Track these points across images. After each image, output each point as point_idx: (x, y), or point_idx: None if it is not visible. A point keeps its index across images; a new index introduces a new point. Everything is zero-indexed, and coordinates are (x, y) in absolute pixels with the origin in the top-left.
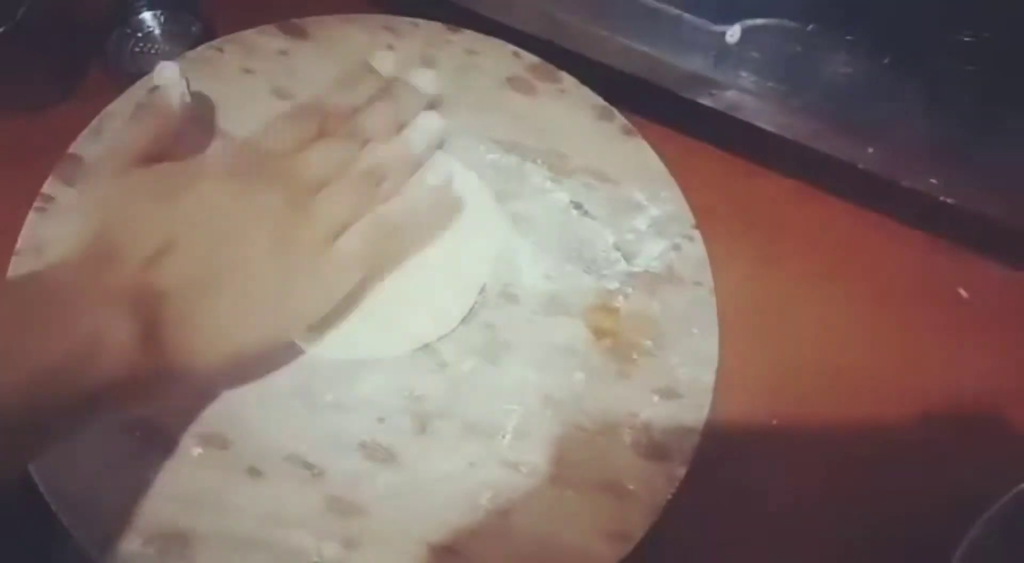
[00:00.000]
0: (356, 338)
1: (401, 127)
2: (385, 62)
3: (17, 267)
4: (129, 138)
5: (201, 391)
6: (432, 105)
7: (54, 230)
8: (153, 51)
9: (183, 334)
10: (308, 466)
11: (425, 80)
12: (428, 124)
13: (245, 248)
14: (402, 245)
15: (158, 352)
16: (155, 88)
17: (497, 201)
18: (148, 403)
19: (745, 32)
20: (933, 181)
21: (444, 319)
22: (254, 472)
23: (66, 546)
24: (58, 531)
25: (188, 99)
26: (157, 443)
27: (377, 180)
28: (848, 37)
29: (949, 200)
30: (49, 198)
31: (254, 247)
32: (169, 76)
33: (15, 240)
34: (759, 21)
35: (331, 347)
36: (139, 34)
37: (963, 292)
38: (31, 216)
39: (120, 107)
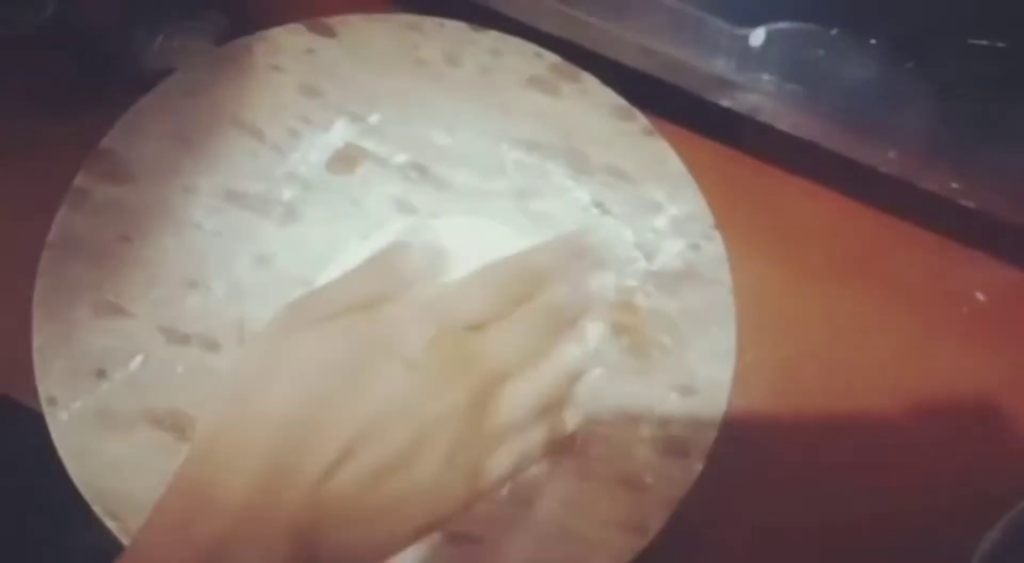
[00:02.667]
0: None
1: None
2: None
3: (49, 261)
4: (345, 288)
5: None
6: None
7: (86, 224)
8: (180, 48)
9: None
10: None
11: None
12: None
13: (421, 462)
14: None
15: None
16: (400, 245)
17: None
18: None
19: (769, 35)
20: (954, 185)
21: None
22: None
23: (99, 537)
24: (92, 523)
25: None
26: (187, 434)
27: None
28: (871, 41)
29: (969, 204)
30: (81, 191)
31: (429, 461)
32: (427, 239)
33: (46, 234)
34: (783, 25)
35: None
36: (166, 31)
37: (980, 295)
38: (63, 210)
39: (148, 103)
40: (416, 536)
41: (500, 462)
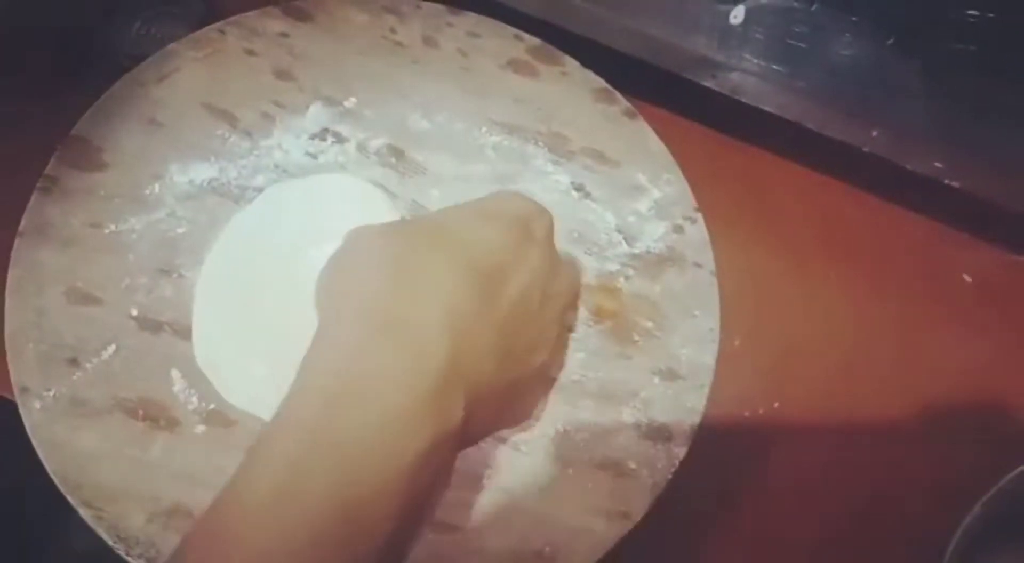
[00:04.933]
0: None
1: None
2: None
3: (21, 250)
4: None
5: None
6: None
7: (58, 212)
8: (155, 33)
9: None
10: None
11: None
12: None
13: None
14: None
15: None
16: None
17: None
18: None
19: (749, 12)
20: (938, 164)
21: None
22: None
23: (72, 525)
24: (64, 510)
25: None
26: (161, 423)
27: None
28: (852, 18)
29: (954, 183)
30: (53, 179)
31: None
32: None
33: (18, 221)
34: (763, 1)
35: None
36: (141, 16)
37: (967, 277)
38: (35, 197)
39: (121, 89)
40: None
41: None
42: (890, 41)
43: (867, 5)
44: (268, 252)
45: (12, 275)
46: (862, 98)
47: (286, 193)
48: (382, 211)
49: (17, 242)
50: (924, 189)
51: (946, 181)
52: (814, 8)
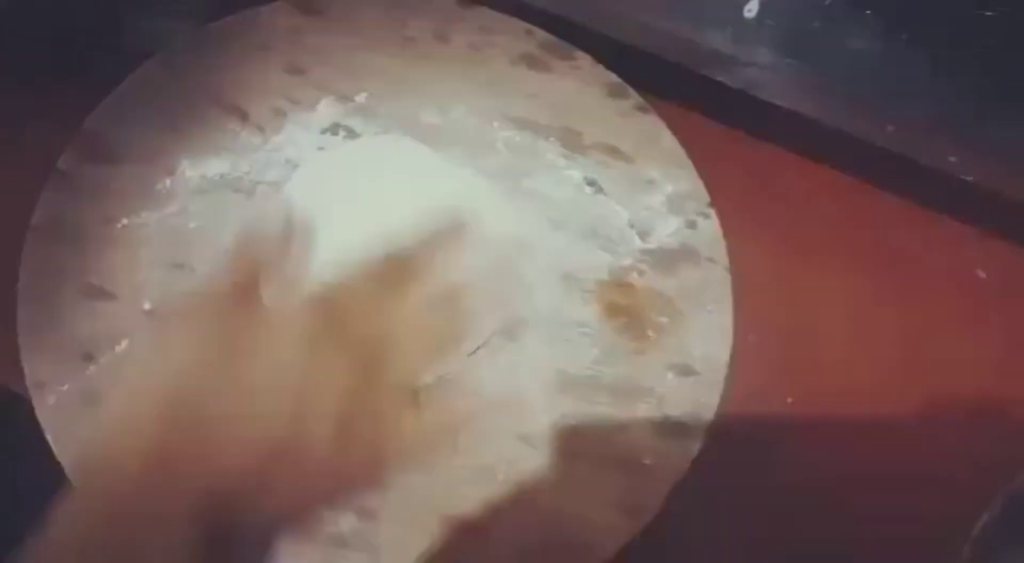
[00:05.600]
0: None
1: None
2: None
3: (33, 245)
4: (221, 275)
5: None
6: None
7: (69, 207)
8: (167, 28)
9: (252, 522)
10: None
11: None
12: None
13: (314, 419)
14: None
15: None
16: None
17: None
18: None
19: (763, 6)
20: (952, 159)
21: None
22: None
23: None
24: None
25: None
26: None
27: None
28: (867, 12)
29: (968, 179)
30: (63, 173)
31: (323, 418)
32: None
33: (30, 216)
34: None
35: None
36: (152, 10)
37: (981, 272)
38: (46, 192)
39: (132, 84)
40: (333, 498)
41: (412, 417)
42: (905, 36)
43: (881, 0)
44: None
45: (25, 269)
46: (877, 93)
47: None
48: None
49: (29, 237)
50: (938, 184)
51: (961, 176)
52: (828, 2)
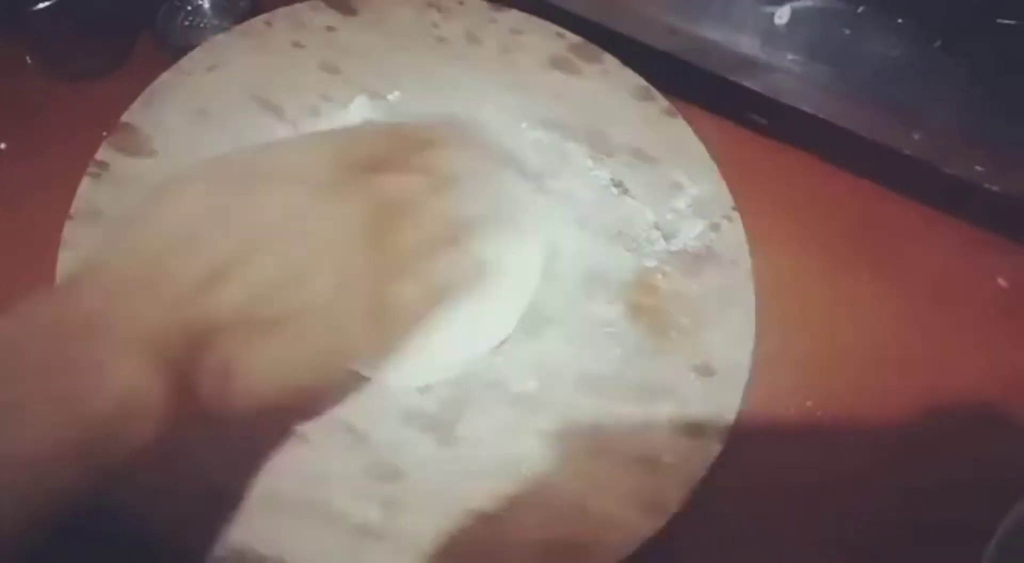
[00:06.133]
0: (411, 365)
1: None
2: None
3: (72, 233)
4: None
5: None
6: None
7: (108, 196)
8: (202, 24)
9: (225, 382)
10: (351, 430)
11: None
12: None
13: (312, 279)
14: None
15: (195, 405)
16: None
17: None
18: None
19: (795, 13)
20: (979, 168)
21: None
22: (298, 435)
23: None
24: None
25: None
26: None
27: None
28: (898, 20)
29: (994, 188)
30: (103, 164)
31: (321, 278)
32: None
33: (69, 206)
34: (809, 3)
35: (387, 374)
36: (189, 7)
37: (1002, 281)
38: (85, 182)
39: (169, 78)
40: (317, 363)
41: (404, 291)
42: (936, 44)
43: (913, 7)
44: None
45: (63, 257)
46: (904, 100)
47: None
48: None
49: (67, 225)
50: (963, 193)
51: (986, 185)
52: (860, 10)
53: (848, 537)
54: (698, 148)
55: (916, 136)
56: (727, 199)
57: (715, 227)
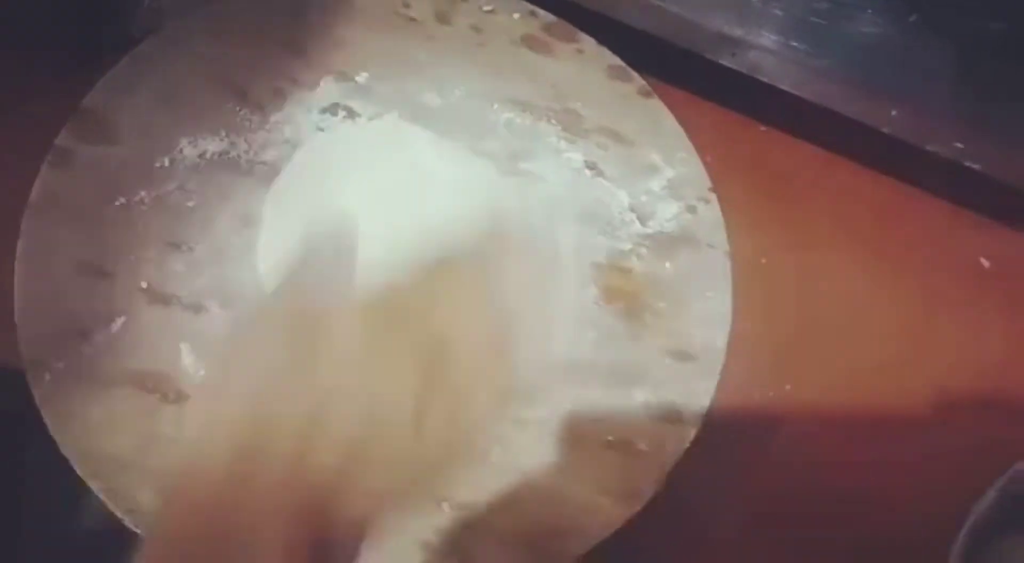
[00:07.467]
0: None
1: None
2: None
3: (31, 221)
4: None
5: None
6: None
7: (67, 184)
8: (166, 6)
9: (359, 539)
10: None
11: None
12: None
13: (390, 413)
14: None
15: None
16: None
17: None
18: None
19: None
20: (958, 146)
21: None
22: None
23: (83, 497)
24: (71, 484)
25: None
26: (170, 396)
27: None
28: None
29: (974, 166)
30: (63, 151)
31: (398, 411)
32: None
33: (27, 192)
34: None
35: None
36: None
37: (984, 261)
38: (44, 170)
39: (131, 62)
40: (413, 492)
41: (475, 408)
42: (912, 19)
43: None
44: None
45: (22, 246)
46: (882, 77)
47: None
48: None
49: (26, 214)
50: (943, 171)
51: (966, 163)
52: None
53: (824, 519)
54: (674, 129)
55: (894, 113)
56: (704, 180)
57: (691, 209)
